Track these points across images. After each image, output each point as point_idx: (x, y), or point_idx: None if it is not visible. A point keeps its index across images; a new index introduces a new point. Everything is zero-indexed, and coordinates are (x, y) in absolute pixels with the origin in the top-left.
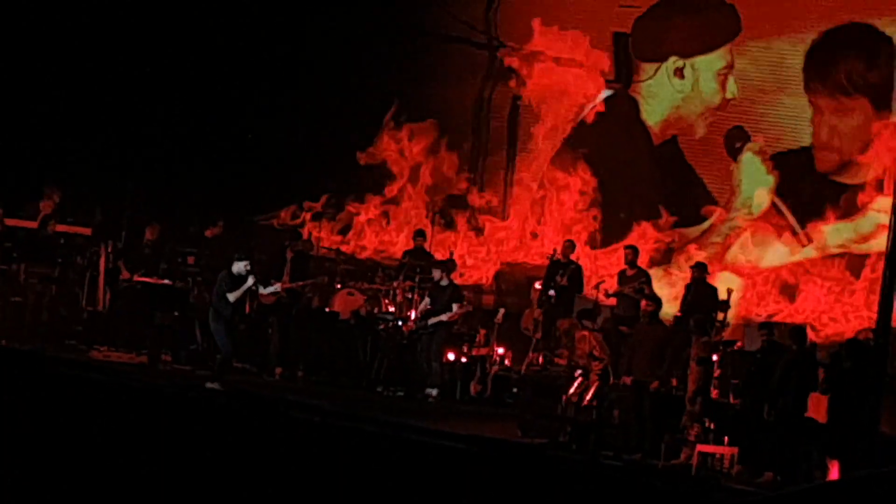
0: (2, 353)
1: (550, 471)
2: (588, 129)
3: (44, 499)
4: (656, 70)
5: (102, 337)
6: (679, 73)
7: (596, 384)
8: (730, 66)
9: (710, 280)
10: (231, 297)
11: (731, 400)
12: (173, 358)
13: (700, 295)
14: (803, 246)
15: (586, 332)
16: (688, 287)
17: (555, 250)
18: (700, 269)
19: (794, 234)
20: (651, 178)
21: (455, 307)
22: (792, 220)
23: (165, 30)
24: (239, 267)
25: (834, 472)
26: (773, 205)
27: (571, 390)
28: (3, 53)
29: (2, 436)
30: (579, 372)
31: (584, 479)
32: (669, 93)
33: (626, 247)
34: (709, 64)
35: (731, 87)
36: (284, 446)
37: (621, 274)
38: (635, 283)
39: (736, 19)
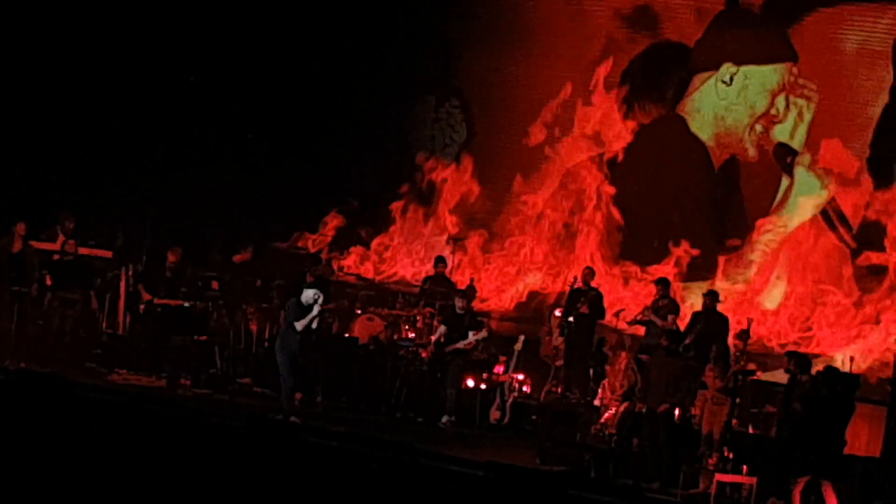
0: (23, 375)
1: (569, 499)
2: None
3: None
4: (703, 82)
5: (122, 360)
6: (729, 79)
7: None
8: (784, 87)
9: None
10: (298, 325)
11: (751, 430)
12: (192, 381)
13: (710, 324)
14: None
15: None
16: (696, 315)
17: (575, 278)
18: (712, 298)
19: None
20: (704, 198)
21: (471, 334)
22: (844, 233)
23: (190, 53)
24: (307, 295)
25: (830, 495)
26: (825, 217)
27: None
28: (30, 78)
29: (22, 458)
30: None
31: None
32: (713, 101)
33: (657, 281)
34: (762, 76)
35: (780, 105)
36: (302, 472)
37: (653, 305)
38: (661, 311)
39: (791, 47)
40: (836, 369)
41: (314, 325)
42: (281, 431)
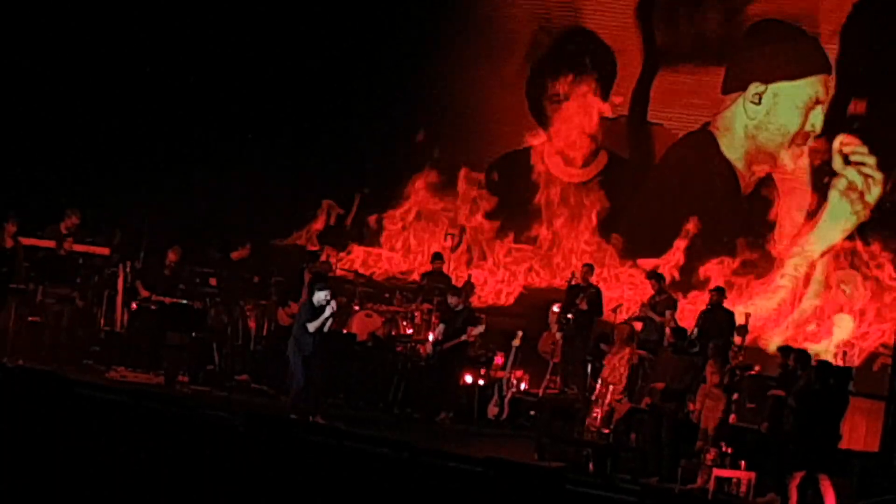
0: (20, 373)
1: (567, 494)
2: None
3: None
4: (734, 101)
5: (120, 357)
6: (757, 98)
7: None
8: (819, 100)
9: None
10: (311, 326)
11: (748, 425)
12: (190, 378)
13: (717, 320)
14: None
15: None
16: (703, 312)
17: (573, 274)
18: (719, 294)
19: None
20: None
21: (469, 330)
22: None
23: (189, 50)
24: (319, 297)
25: (828, 490)
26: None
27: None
28: (28, 75)
29: (20, 456)
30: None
31: (601, 502)
32: (742, 121)
33: (650, 276)
34: (793, 91)
35: (815, 120)
36: (300, 468)
37: (651, 300)
38: (657, 307)
39: (823, 58)
40: (829, 363)
41: (326, 328)
42: (279, 428)
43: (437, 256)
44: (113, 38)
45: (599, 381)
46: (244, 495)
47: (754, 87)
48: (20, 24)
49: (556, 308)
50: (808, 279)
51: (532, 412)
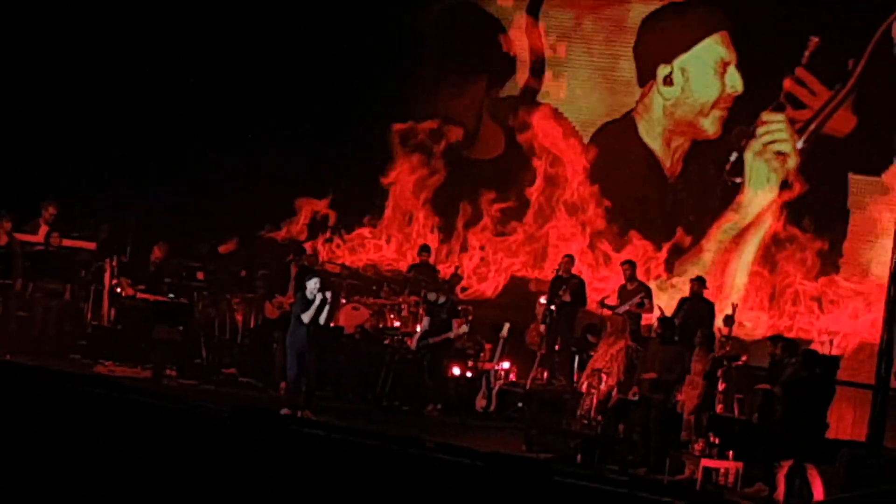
0: (7, 367)
1: (555, 486)
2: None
3: None
4: (649, 88)
5: (107, 351)
6: (668, 80)
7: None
8: (725, 61)
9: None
10: (304, 317)
11: (736, 415)
12: (178, 372)
13: (697, 310)
14: None
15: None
16: (683, 301)
17: (559, 266)
18: (700, 283)
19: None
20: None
21: (454, 323)
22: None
23: (170, 41)
24: (310, 286)
25: (815, 479)
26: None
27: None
28: (14, 67)
29: (7, 450)
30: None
31: (590, 493)
32: (659, 103)
33: (623, 262)
34: (698, 60)
35: (732, 80)
36: (288, 461)
37: (622, 289)
38: (637, 298)
39: (721, 12)
40: (815, 352)
41: (322, 320)
42: (267, 421)
43: (424, 248)
44: (96, 33)
45: (586, 371)
46: (232, 488)
47: (661, 71)
48: (6, 18)
49: (542, 300)
50: (738, 245)
51: (520, 404)
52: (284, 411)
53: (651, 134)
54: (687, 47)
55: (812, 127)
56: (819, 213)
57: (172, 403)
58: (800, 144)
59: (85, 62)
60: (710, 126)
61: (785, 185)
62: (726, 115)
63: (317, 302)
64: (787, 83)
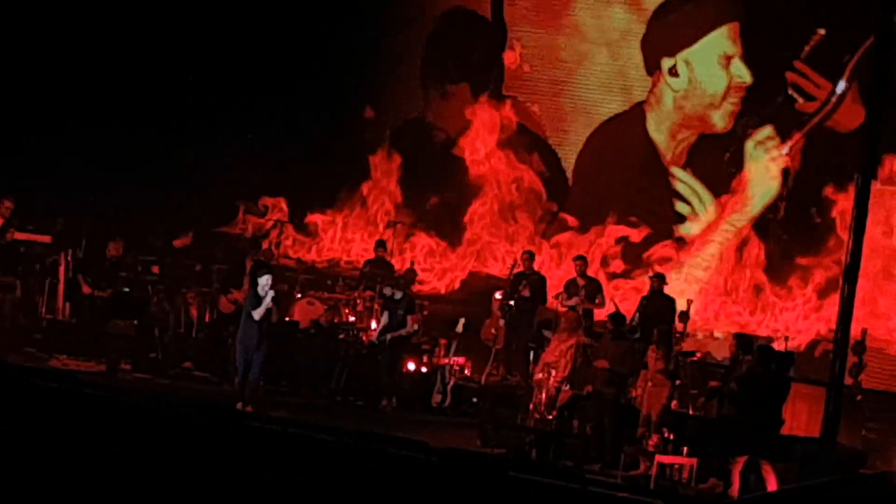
0: None
1: (510, 481)
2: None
3: None
4: (657, 79)
5: (62, 345)
6: (673, 71)
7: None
8: (729, 55)
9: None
10: (255, 314)
11: (690, 411)
12: (133, 366)
13: (657, 306)
14: None
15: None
16: (644, 298)
17: (515, 261)
18: (659, 280)
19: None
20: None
21: (409, 320)
22: None
23: (126, 36)
24: (262, 282)
25: (769, 475)
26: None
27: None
28: None
29: None
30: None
31: (544, 489)
32: (669, 97)
33: (576, 258)
34: (702, 54)
35: (740, 72)
36: (242, 456)
37: (570, 283)
38: (583, 292)
39: (731, 3)
40: (770, 348)
41: (275, 318)
42: (222, 416)
43: (381, 244)
44: (51, 26)
45: (538, 366)
46: (186, 482)
47: (665, 63)
48: None
49: (498, 295)
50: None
51: (475, 399)
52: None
53: (659, 127)
54: (690, 41)
55: (815, 120)
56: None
57: (128, 398)
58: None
59: (40, 55)
60: (720, 120)
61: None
62: (738, 108)
63: (268, 299)
64: (791, 76)
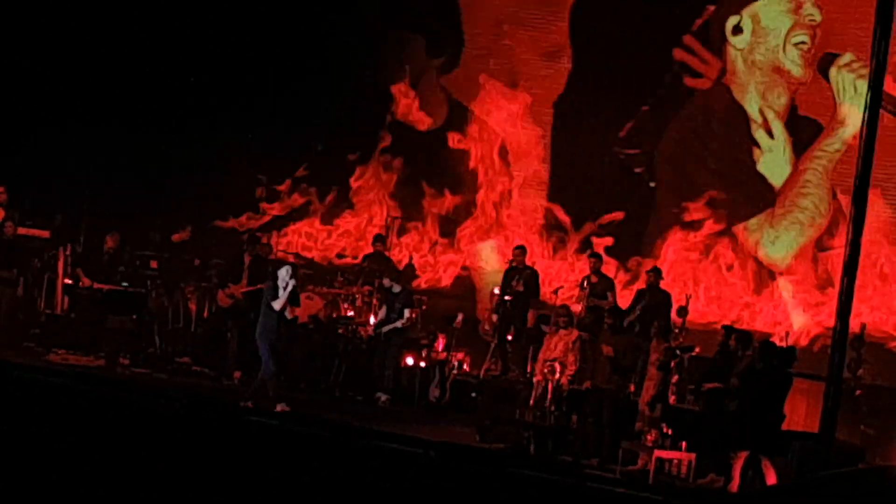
0: None
1: (508, 476)
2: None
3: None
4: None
5: (60, 340)
6: (738, 30)
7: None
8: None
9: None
10: (276, 304)
11: (689, 406)
12: (131, 361)
13: (655, 301)
14: None
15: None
16: (640, 292)
17: (514, 254)
18: (656, 274)
19: None
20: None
21: (407, 312)
22: None
23: (125, 30)
24: (282, 274)
25: (769, 470)
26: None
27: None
28: None
29: None
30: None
31: (543, 484)
32: (741, 56)
33: (591, 254)
34: (767, 7)
35: (810, 11)
36: (241, 450)
37: (586, 280)
38: (596, 288)
39: None
40: (773, 343)
41: (290, 315)
42: (219, 410)
43: (379, 238)
44: (50, 20)
45: (539, 362)
46: (185, 477)
47: (730, 23)
48: None
49: (496, 290)
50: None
51: (473, 394)
52: (281, 407)
53: (746, 96)
54: None
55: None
56: None
57: (126, 393)
58: None
59: (38, 49)
60: (794, 66)
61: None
62: (810, 48)
63: (288, 289)
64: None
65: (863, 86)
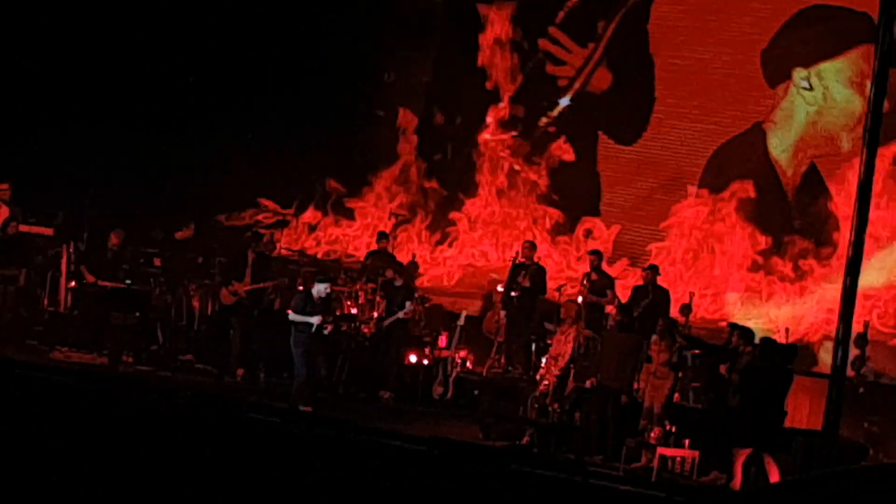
0: None
1: (511, 474)
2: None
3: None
4: (786, 90)
5: (63, 337)
6: (807, 84)
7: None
8: (865, 74)
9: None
10: (291, 315)
11: (692, 403)
12: (134, 359)
13: (655, 299)
14: None
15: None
16: (637, 289)
17: (517, 253)
18: (653, 272)
19: None
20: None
21: (408, 304)
22: None
23: (127, 29)
24: (319, 289)
25: (772, 467)
26: None
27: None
28: None
29: None
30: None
31: (546, 481)
32: (802, 108)
33: (591, 252)
34: (837, 71)
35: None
36: (244, 448)
37: (585, 277)
38: (595, 285)
39: (868, 25)
40: (773, 340)
41: (326, 331)
42: (223, 407)
43: (383, 236)
44: (53, 17)
45: (545, 360)
46: (188, 474)
47: (798, 74)
48: None
49: (499, 287)
50: None
51: (476, 392)
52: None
53: (781, 145)
54: (827, 56)
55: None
56: None
57: (129, 391)
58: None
59: (42, 46)
60: (846, 143)
61: None
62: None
63: (312, 320)
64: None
65: None
